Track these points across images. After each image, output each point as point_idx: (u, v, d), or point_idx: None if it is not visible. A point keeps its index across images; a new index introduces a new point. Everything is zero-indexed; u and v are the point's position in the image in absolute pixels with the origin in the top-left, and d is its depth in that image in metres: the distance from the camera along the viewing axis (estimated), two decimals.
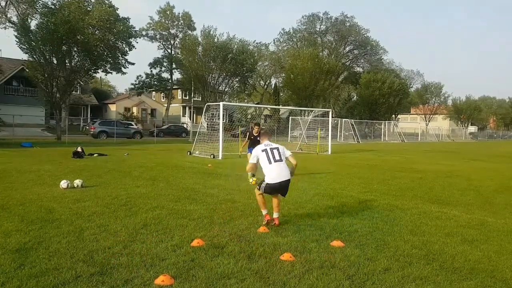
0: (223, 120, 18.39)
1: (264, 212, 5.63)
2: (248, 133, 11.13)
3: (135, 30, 38.59)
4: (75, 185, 8.33)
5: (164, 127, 43.14)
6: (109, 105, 55.31)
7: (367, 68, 60.97)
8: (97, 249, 4.39)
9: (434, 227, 5.80)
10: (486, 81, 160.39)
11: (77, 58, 29.56)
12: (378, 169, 14.05)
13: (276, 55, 59.11)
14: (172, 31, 48.05)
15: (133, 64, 36.81)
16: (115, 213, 6.13)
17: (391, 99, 52.31)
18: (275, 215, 5.58)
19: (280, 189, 5.54)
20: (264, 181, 5.54)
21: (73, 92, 37.74)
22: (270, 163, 5.52)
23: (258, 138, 8.42)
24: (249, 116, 52.19)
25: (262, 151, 5.64)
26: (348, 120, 43.91)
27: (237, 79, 44.57)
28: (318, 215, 6.36)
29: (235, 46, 41.36)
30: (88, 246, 4.48)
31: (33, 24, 29.07)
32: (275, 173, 5.46)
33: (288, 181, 5.54)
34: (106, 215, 5.97)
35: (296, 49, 56.36)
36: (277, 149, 5.68)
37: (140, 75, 48.82)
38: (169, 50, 49.07)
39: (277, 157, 5.58)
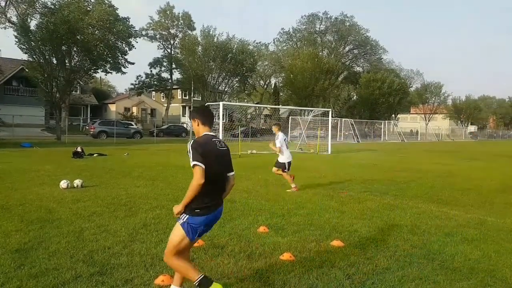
0: (223, 120, 18.40)
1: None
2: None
3: (135, 30, 38.53)
4: (75, 185, 8.33)
5: (164, 127, 43.09)
6: (109, 105, 55.26)
7: (367, 67, 61.00)
8: (97, 249, 4.39)
9: (434, 227, 5.80)
10: (486, 81, 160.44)
11: (76, 58, 29.54)
12: (378, 168, 14.05)
13: (276, 55, 59.12)
14: (172, 31, 48.08)
15: (133, 64, 36.73)
16: (115, 213, 6.13)
17: (391, 98, 52.33)
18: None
19: None
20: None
21: (73, 92, 37.71)
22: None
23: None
24: (248, 116, 52.24)
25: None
26: (348, 119, 43.90)
27: (236, 79, 44.60)
28: (318, 214, 6.37)
29: (235, 46, 41.39)
30: (88, 246, 4.48)
31: (32, 24, 29.07)
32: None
33: None
34: (106, 215, 5.97)
35: (296, 49, 56.38)
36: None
37: (140, 75, 48.89)
38: (169, 50, 49.10)
39: None
